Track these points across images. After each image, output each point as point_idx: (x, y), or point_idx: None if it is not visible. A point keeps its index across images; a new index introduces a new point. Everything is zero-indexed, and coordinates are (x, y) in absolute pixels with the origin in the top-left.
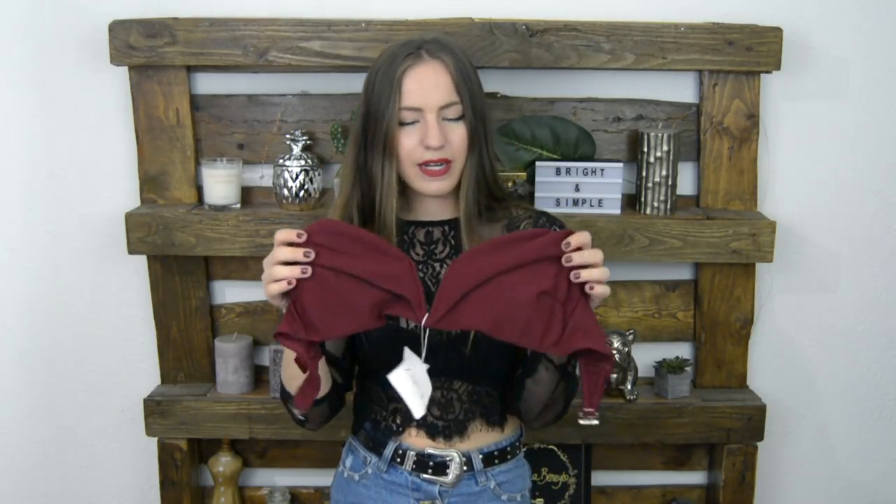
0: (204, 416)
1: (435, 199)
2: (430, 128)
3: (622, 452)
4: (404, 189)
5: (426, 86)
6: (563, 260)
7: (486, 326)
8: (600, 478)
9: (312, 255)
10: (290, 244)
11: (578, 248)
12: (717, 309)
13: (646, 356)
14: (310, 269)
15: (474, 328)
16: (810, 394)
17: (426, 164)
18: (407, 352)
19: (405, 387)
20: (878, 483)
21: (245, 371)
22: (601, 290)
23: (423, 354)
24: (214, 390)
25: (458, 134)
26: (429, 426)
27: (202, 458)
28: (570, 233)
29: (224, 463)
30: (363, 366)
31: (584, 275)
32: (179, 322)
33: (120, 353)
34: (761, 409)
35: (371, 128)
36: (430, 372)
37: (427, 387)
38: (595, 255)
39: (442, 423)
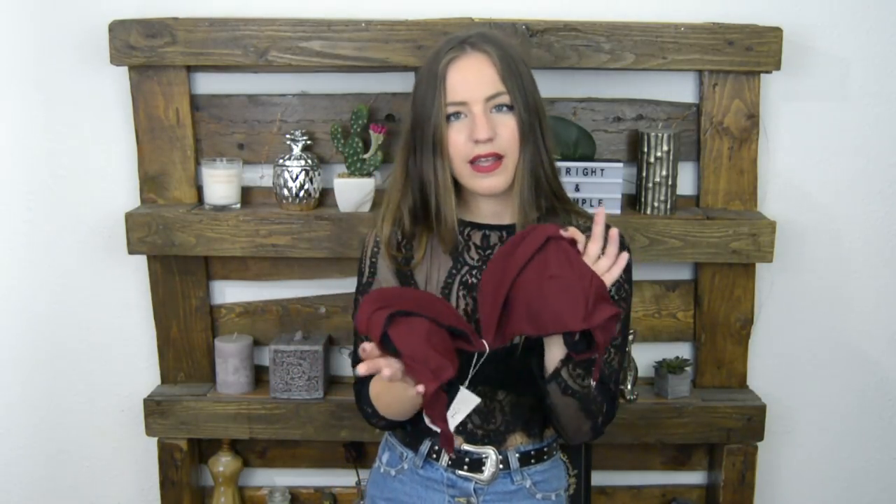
0: (204, 416)
1: (493, 201)
2: (477, 120)
3: (622, 452)
4: (459, 188)
5: (470, 78)
6: (560, 231)
7: (529, 328)
8: (600, 478)
9: (383, 321)
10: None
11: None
12: (717, 309)
13: (646, 356)
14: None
15: (522, 333)
16: (810, 394)
17: (476, 160)
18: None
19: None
20: (878, 483)
21: (245, 371)
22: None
23: (470, 376)
24: (214, 390)
25: (508, 126)
26: (468, 434)
27: (202, 458)
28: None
29: (224, 463)
30: None
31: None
32: (179, 322)
33: (120, 353)
34: (761, 409)
35: (419, 129)
36: (474, 381)
37: (460, 408)
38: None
39: (481, 431)
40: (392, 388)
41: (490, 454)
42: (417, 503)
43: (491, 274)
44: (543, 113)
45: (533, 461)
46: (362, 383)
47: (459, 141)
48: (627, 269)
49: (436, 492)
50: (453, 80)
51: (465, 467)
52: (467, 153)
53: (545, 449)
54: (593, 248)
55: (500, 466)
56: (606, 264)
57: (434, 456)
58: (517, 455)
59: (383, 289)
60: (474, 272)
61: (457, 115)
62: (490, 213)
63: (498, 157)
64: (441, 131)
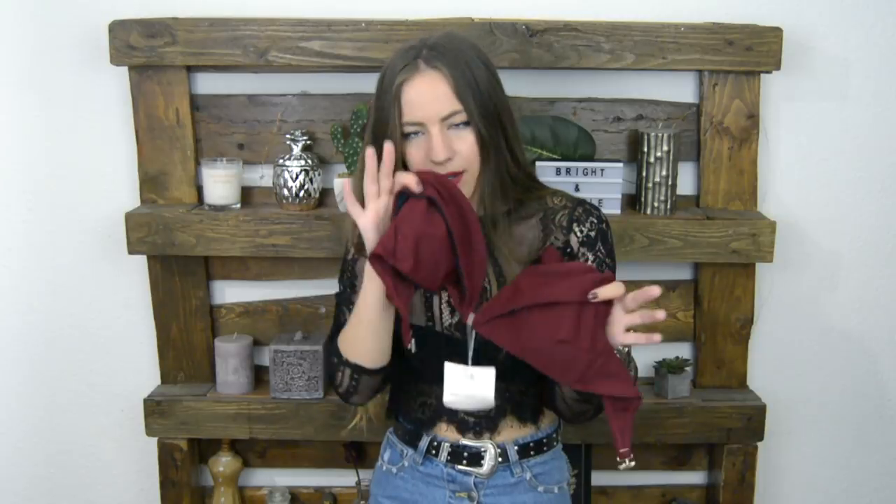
0: (204, 416)
1: None
2: (433, 141)
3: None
4: None
5: (424, 99)
6: (588, 296)
7: (514, 350)
8: (600, 478)
9: (421, 188)
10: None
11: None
12: (717, 309)
13: (646, 356)
14: (422, 186)
15: (503, 346)
16: (810, 394)
17: None
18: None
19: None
20: (878, 483)
21: (245, 371)
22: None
23: (471, 353)
24: (214, 390)
25: (467, 142)
26: (460, 421)
27: (202, 458)
28: (605, 279)
29: (224, 463)
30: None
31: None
32: (179, 322)
33: (120, 353)
34: (761, 409)
35: (379, 139)
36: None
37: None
38: (615, 290)
39: (473, 419)
40: (359, 313)
41: (489, 447)
42: (419, 499)
43: (528, 275)
44: (509, 116)
45: (532, 453)
46: (336, 336)
47: (419, 157)
48: (608, 244)
49: (437, 488)
50: (408, 100)
51: (465, 461)
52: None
53: (544, 440)
54: (631, 303)
55: (500, 460)
56: (631, 321)
57: (433, 452)
58: (516, 448)
59: (459, 195)
60: None
61: (415, 132)
62: None
63: (458, 173)
64: (398, 146)
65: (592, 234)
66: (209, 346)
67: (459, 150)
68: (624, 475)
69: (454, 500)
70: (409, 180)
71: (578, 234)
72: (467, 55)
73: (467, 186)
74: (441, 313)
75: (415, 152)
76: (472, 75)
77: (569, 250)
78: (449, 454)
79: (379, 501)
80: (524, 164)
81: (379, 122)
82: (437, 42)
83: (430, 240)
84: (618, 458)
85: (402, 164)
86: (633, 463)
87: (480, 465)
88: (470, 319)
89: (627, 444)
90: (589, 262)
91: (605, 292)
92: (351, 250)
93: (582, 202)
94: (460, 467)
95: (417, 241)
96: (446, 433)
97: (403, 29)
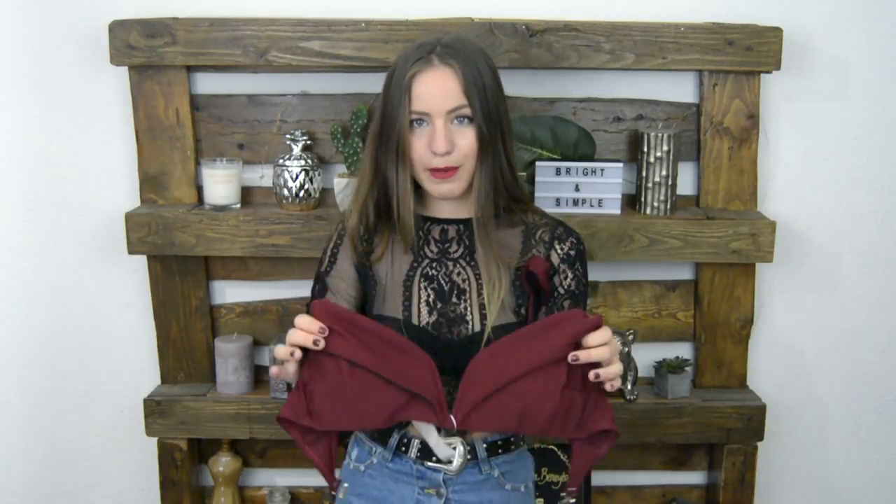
0: (204, 416)
1: (452, 200)
2: (436, 132)
3: (622, 452)
4: (419, 185)
5: (433, 91)
6: (569, 358)
7: (511, 426)
8: (600, 478)
9: (326, 332)
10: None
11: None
12: (717, 309)
13: (646, 356)
14: (322, 342)
15: (499, 429)
16: (810, 394)
17: (435, 168)
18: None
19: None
20: (878, 483)
21: (245, 371)
22: (612, 383)
23: (456, 462)
24: (214, 390)
25: (467, 138)
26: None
27: (202, 458)
28: (591, 326)
29: (224, 463)
30: None
31: (599, 374)
32: (179, 322)
33: (120, 353)
34: (761, 409)
35: (385, 130)
36: (439, 371)
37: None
38: (601, 353)
39: None
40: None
41: (458, 445)
42: (388, 496)
43: (491, 356)
44: (508, 123)
45: (500, 451)
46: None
47: (420, 147)
48: (584, 266)
49: (405, 484)
50: (418, 91)
51: (434, 458)
52: (426, 161)
53: (512, 439)
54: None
55: (468, 457)
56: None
57: (403, 449)
58: (484, 445)
59: (345, 311)
60: (434, 264)
61: (420, 121)
62: (449, 210)
63: (454, 169)
64: (404, 137)
65: (572, 252)
66: (209, 346)
67: (459, 145)
68: (624, 475)
69: (423, 497)
70: (311, 325)
71: (559, 251)
72: (477, 58)
73: (461, 181)
74: (419, 311)
75: (417, 142)
76: (480, 77)
77: (549, 262)
78: (419, 451)
79: (348, 500)
80: (516, 174)
81: (386, 112)
82: (451, 41)
83: (345, 385)
84: (562, 494)
85: (404, 154)
86: (573, 500)
87: (450, 462)
88: (454, 425)
89: (577, 484)
90: (568, 279)
91: (587, 356)
92: (334, 236)
93: (561, 222)
94: (430, 464)
95: (328, 394)
96: (417, 431)
97: (403, 29)
